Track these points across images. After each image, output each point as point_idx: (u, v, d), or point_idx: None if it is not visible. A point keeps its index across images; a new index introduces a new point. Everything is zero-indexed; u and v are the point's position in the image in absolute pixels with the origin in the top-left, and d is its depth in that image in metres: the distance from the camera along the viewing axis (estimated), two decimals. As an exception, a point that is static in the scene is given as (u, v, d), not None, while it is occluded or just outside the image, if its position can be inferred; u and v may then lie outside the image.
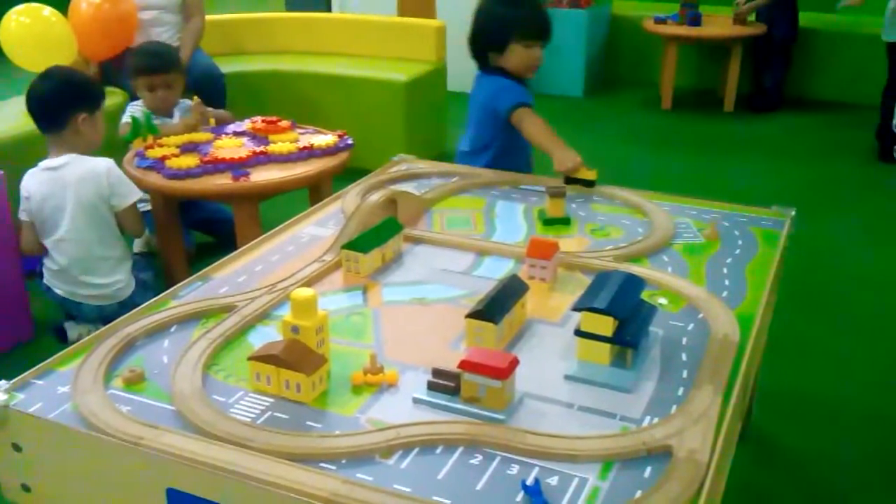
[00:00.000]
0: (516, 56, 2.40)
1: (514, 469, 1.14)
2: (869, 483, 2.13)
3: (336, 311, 1.54)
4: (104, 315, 2.59)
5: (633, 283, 1.45)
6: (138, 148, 2.91)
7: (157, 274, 2.98)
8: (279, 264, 1.74)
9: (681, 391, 1.31)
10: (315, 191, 2.89)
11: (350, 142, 2.97)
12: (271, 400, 1.28)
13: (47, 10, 3.62)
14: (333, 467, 1.13)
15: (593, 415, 1.26)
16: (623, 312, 1.35)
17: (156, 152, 2.82)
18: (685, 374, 1.36)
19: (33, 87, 2.70)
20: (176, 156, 2.80)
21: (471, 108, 2.55)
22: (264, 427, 1.21)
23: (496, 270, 1.73)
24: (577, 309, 1.37)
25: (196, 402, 1.25)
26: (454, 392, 1.26)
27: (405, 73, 4.25)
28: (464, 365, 1.24)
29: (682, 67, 5.73)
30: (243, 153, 2.80)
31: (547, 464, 1.14)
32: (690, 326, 1.51)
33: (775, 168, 4.48)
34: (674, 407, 1.26)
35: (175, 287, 1.63)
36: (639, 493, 1.08)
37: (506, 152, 2.44)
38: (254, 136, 3.03)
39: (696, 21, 5.45)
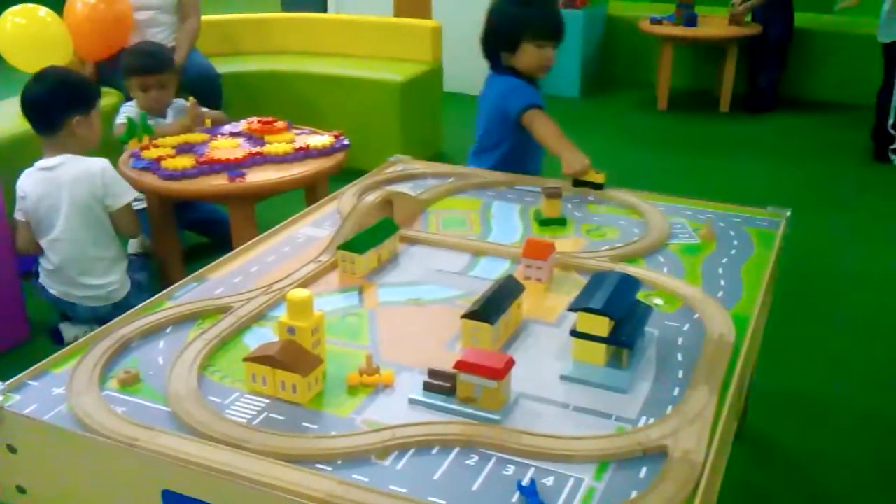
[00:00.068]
0: (528, 56, 2.39)
1: (510, 469, 1.14)
2: (864, 483, 2.14)
3: (332, 312, 1.54)
4: (98, 316, 2.59)
5: (629, 284, 1.45)
6: (134, 148, 2.91)
7: (151, 275, 2.98)
8: (275, 265, 1.74)
9: (676, 391, 1.31)
10: (311, 191, 2.89)
11: (346, 142, 2.97)
12: (267, 401, 1.28)
13: (43, 11, 3.62)
14: (329, 468, 1.13)
15: (589, 415, 1.26)
16: (619, 313, 1.35)
17: (151, 153, 2.82)
18: (681, 374, 1.36)
19: (27, 90, 2.70)
20: (172, 156, 2.79)
21: (480, 108, 2.55)
22: (260, 428, 1.21)
23: (492, 271, 1.73)
24: (572, 309, 1.37)
25: (191, 404, 1.25)
26: (450, 393, 1.26)
27: (401, 74, 4.25)
28: (459, 365, 1.24)
29: (678, 68, 5.74)
30: (239, 154, 2.80)
31: (543, 464, 1.14)
32: (686, 327, 1.51)
33: (771, 168, 4.49)
34: (669, 407, 1.27)
35: (170, 288, 1.63)
36: (634, 494, 1.08)
37: (516, 153, 2.42)
38: (250, 136, 3.03)
39: (691, 21, 5.46)
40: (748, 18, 5.51)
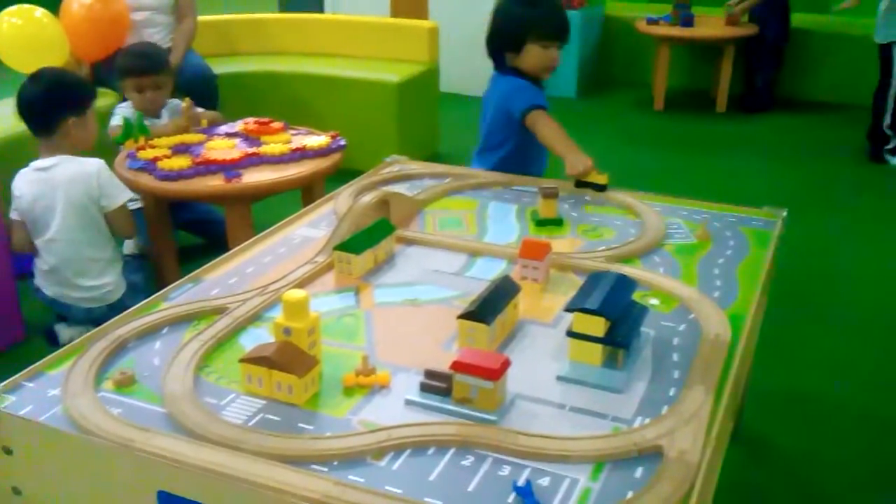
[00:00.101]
0: (532, 56, 2.38)
1: (506, 470, 1.14)
2: (860, 483, 2.14)
3: (328, 313, 1.54)
4: (94, 317, 2.59)
5: (625, 284, 1.45)
6: (130, 149, 2.90)
7: (147, 276, 2.97)
8: (271, 266, 1.74)
9: (672, 391, 1.31)
10: (308, 192, 2.89)
11: (343, 143, 2.97)
12: (263, 402, 1.28)
13: (39, 12, 3.62)
14: (325, 469, 1.13)
15: (585, 415, 1.26)
16: (615, 313, 1.35)
17: (147, 153, 2.82)
18: (676, 374, 1.36)
19: (23, 91, 2.70)
20: (168, 157, 2.79)
21: (485, 108, 2.54)
22: (256, 429, 1.21)
23: (488, 271, 1.73)
24: (568, 310, 1.37)
25: (187, 405, 1.25)
26: (446, 393, 1.26)
27: (398, 74, 4.25)
28: (456, 366, 1.24)
29: (675, 68, 5.75)
30: (235, 154, 2.80)
31: (538, 465, 1.14)
32: (682, 327, 1.51)
33: (767, 168, 4.50)
34: (665, 407, 1.27)
35: (166, 289, 1.63)
36: (630, 494, 1.08)
37: (520, 153, 2.41)
38: (246, 137, 3.02)
39: (688, 22, 5.47)
40: (745, 19, 5.52)
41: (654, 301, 1.59)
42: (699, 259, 1.78)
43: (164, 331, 1.48)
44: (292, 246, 1.84)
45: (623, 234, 1.92)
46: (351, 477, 1.12)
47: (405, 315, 1.56)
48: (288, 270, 1.69)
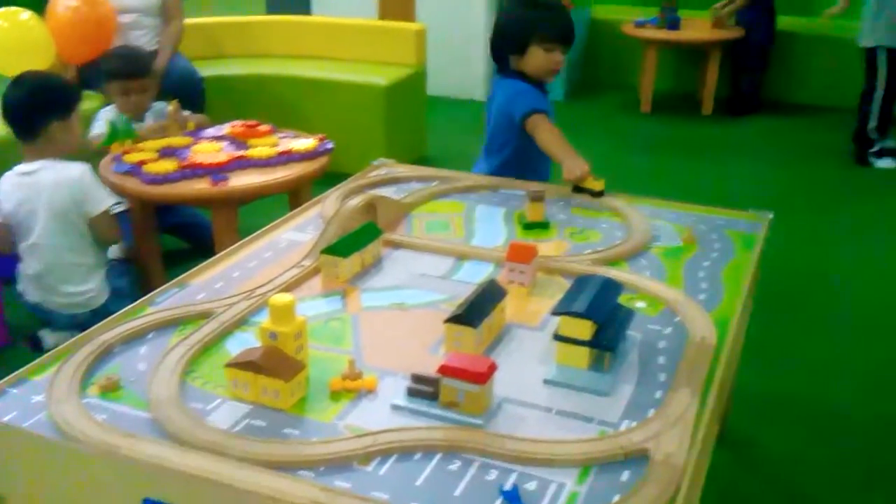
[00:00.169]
0: (535, 59, 2.36)
1: (493, 474, 1.14)
2: (846, 484, 2.15)
3: (315, 317, 1.54)
4: (78, 323, 2.57)
5: (612, 287, 1.45)
6: (116, 153, 2.89)
7: (133, 281, 2.96)
8: (257, 270, 1.73)
9: (658, 394, 1.31)
10: (294, 195, 2.89)
11: (330, 146, 2.96)
12: (249, 407, 1.28)
13: (25, 14, 3.60)
14: (311, 474, 1.13)
15: (571, 419, 1.26)
16: (601, 316, 1.36)
17: (133, 157, 2.81)
18: (663, 377, 1.36)
19: (6, 95, 2.68)
20: (154, 160, 2.78)
21: (488, 111, 2.53)
22: (242, 434, 1.20)
23: (475, 275, 1.73)
24: (555, 313, 1.38)
25: (173, 410, 1.24)
26: (433, 397, 1.26)
27: (385, 77, 4.24)
28: (443, 370, 1.24)
29: (662, 71, 5.77)
30: (222, 158, 2.79)
31: (525, 469, 1.15)
32: (668, 330, 1.52)
33: (753, 171, 4.52)
34: (651, 410, 1.27)
35: (152, 294, 1.62)
36: (616, 497, 1.09)
37: (521, 156, 2.39)
38: (233, 140, 3.02)
39: (674, 25, 5.49)
40: (731, 22, 5.54)
41: (640, 304, 1.60)
42: (685, 262, 1.79)
43: (150, 336, 1.48)
44: (279, 250, 1.84)
45: (610, 237, 1.92)
46: (337, 482, 1.11)
47: (392, 319, 1.56)
48: (274, 274, 1.69)
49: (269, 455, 1.15)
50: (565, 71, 5.88)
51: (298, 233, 1.93)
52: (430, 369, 1.28)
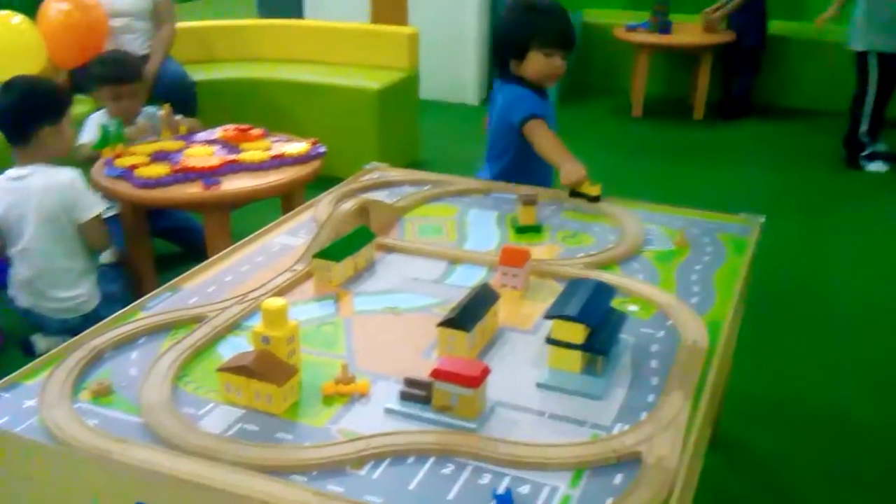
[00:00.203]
0: (535, 64, 2.35)
1: (486, 478, 1.14)
2: (838, 486, 2.16)
3: (307, 321, 1.53)
4: (69, 328, 2.57)
5: (604, 291, 1.46)
6: (108, 157, 2.88)
7: (124, 285, 2.95)
8: (250, 274, 1.73)
9: (651, 398, 1.32)
10: (287, 199, 2.88)
11: (322, 150, 2.96)
12: (242, 411, 1.28)
13: (16, 18, 3.59)
14: (304, 479, 1.13)
15: (564, 423, 1.26)
16: (594, 320, 1.36)
17: (125, 161, 2.80)
18: (655, 380, 1.37)
19: None
20: (146, 164, 2.77)
21: (490, 116, 2.53)
22: (234, 439, 1.20)
23: (468, 279, 1.73)
24: (548, 317, 1.38)
25: (165, 415, 1.24)
26: (426, 401, 1.26)
27: (377, 81, 4.25)
28: (436, 374, 1.24)
29: (653, 75, 5.78)
30: (214, 161, 2.78)
31: (518, 472, 1.15)
32: (660, 333, 1.52)
33: (745, 175, 4.54)
34: (644, 414, 1.27)
35: (143, 298, 1.61)
36: (609, 501, 1.09)
37: (522, 162, 2.38)
38: (225, 144, 3.01)
39: (666, 29, 5.50)
40: (723, 26, 5.56)
41: (632, 308, 1.60)
42: (677, 266, 1.79)
43: (142, 340, 1.47)
44: (271, 254, 1.84)
45: (602, 240, 1.93)
46: (330, 486, 1.11)
47: (385, 323, 1.56)
48: (267, 279, 1.68)
49: (262, 459, 1.15)
50: (557, 75, 5.90)
51: (291, 237, 1.93)
52: (423, 373, 1.28)
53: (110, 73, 3.15)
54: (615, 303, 1.51)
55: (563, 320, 1.34)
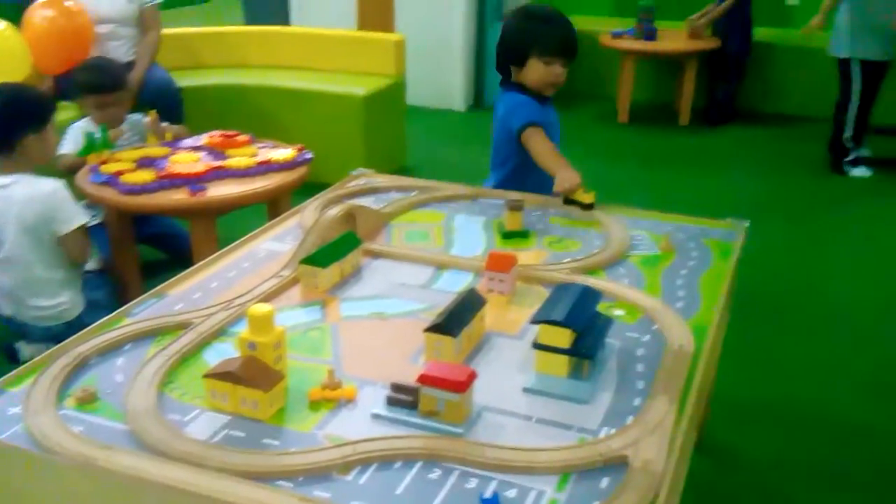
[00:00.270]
0: (534, 72, 2.35)
1: (473, 483, 1.14)
2: (824, 487, 2.17)
3: (294, 327, 1.53)
4: (53, 335, 2.55)
5: (590, 296, 1.46)
6: (93, 163, 2.87)
7: (109, 292, 2.93)
8: (236, 280, 1.73)
9: (637, 402, 1.32)
10: (274, 206, 2.88)
11: (309, 156, 2.96)
12: (228, 417, 1.27)
13: (1, 24, 3.57)
14: (291, 485, 1.12)
15: (551, 427, 1.26)
16: (580, 324, 1.36)
17: (111, 167, 2.79)
18: (641, 384, 1.37)
19: None
20: (132, 171, 2.76)
21: (493, 123, 2.52)
22: (220, 445, 1.20)
23: (455, 284, 1.73)
24: (534, 322, 1.38)
25: (150, 421, 1.23)
26: (413, 406, 1.26)
27: (364, 87, 4.25)
28: (422, 379, 1.24)
29: (639, 81, 5.81)
30: (200, 168, 2.78)
31: (505, 477, 1.15)
32: (646, 337, 1.52)
33: (730, 180, 4.56)
34: (630, 417, 1.28)
35: (129, 305, 1.61)
36: (596, 504, 1.09)
37: (523, 169, 2.38)
38: (211, 150, 3.00)
39: (651, 36, 5.53)
40: (708, 32, 5.60)
41: (618, 312, 1.61)
42: (663, 270, 1.80)
43: (127, 347, 1.47)
44: (257, 260, 1.83)
45: (588, 245, 1.93)
46: (317, 492, 1.11)
47: (371, 328, 1.56)
48: (253, 285, 1.68)
49: (248, 466, 1.14)
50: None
51: (277, 243, 1.93)
52: (409, 378, 1.28)
53: (94, 82, 3.13)
54: (601, 307, 1.51)
55: (550, 325, 1.35)
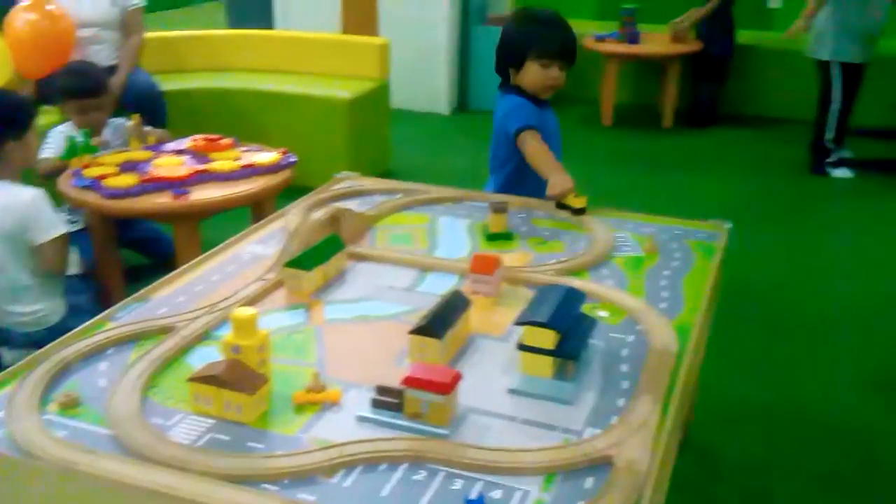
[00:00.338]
0: (531, 74, 2.33)
1: (458, 484, 1.14)
2: (808, 488, 2.18)
3: (278, 330, 1.53)
4: (34, 341, 2.52)
5: (574, 297, 1.47)
6: (75, 167, 2.85)
7: (92, 297, 2.91)
8: (220, 284, 1.72)
9: (621, 402, 1.33)
10: (258, 209, 2.87)
11: (293, 159, 2.95)
12: (212, 421, 1.27)
13: (-20, 28, 3.55)
14: (276, 488, 1.12)
15: (536, 427, 1.27)
16: (564, 326, 1.37)
17: (94, 171, 2.77)
18: (625, 385, 1.38)
19: None
20: (114, 175, 2.75)
21: (493, 127, 2.51)
22: (204, 449, 1.19)
23: (439, 286, 1.73)
24: (519, 323, 1.38)
25: (134, 426, 1.23)
26: (398, 409, 1.26)
27: (348, 91, 4.25)
28: (407, 381, 1.24)
29: (622, 84, 5.83)
30: (183, 171, 2.76)
31: (490, 478, 1.15)
32: (630, 338, 1.53)
33: (713, 182, 4.59)
34: (614, 418, 1.28)
35: (112, 309, 1.60)
36: (581, 504, 1.10)
37: (521, 173, 2.37)
38: (194, 154, 2.99)
39: (634, 39, 5.56)
40: (691, 35, 5.63)
41: (602, 313, 1.61)
42: (646, 271, 1.81)
43: (110, 351, 1.46)
44: (241, 263, 1.83)
45: (573, 247, 1.94)
46: (302, 495, 1.11)
47: (356, 331, 1.56)
48: (237, 288, 1.68)
49: (232, 469, 1.14)
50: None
51: (261, 246, 1.92)
52: (394, 381, 1.28)
53: (76, 86, 3.11)
54: (585, 308, 1.52)
55: (534, 326, 1.35)
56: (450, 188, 2.32)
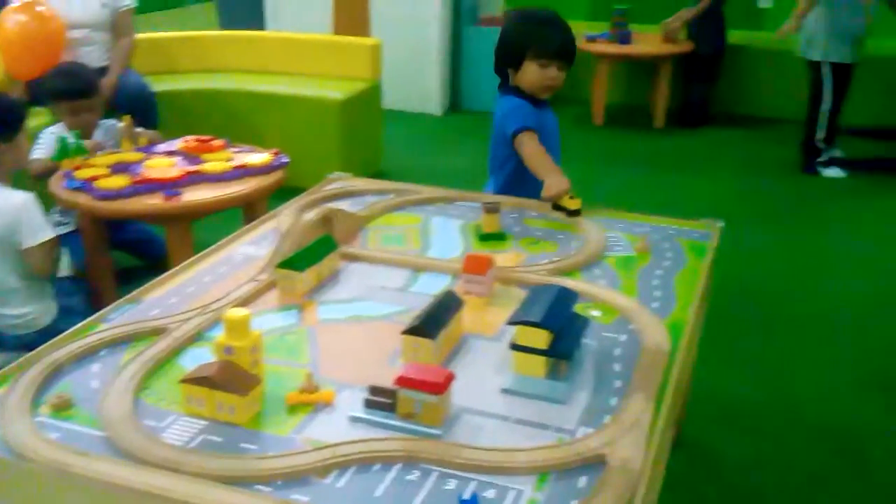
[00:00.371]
0: (530, 74, 2.32)
1: (452, 484, 1.14)
2: (800, 486, 2.19)
3: (271, 331, 1.53)
4: (25, 343, 2.51)
5: (567, 296, 1.47)
6: (67, 169, 2.84)
7: (84, 298, 2.90)
8: (212, 285, 1.72)
9: (614, 401, 1.33)
10: (250, 210, 2.86)
11: (285, 160, 2.95)
12: (205, 423, 1.27)
13: (-30, 29, 3.53)
14: (269, 489, 1.12)
15: (529, 427, 1.27)
16: (557, 325, 1.37)
17: (85, 173, 2.77)
18: (618, 384, 1.38)
19: None
20: (106, 176, 2.74)
21: (493, 127, 2.51)
22: (197, 450, 1.19)
23: (432, 286, 1.73)
24: (511, 323, 1.39)
25: (126, 428, 1.22)
26: (391, 409, 1.26)
27: (340, 91, 4.24)
28: (400, 381, 1.24)
29: (614, 84, 5.85)
30: (175, 173, 2.76)
31: (484, 477, 1.15)
32: (623, 337, 1.54)
33: (704, 181, 4.60)
34: (607, 417, 1.28)
35: (104, 310, 1.59)
36: (574, 503, 1.10)
37: (519, 174, 2.36)
38: (186, 155, 2.98)
39: (626, 39, 5.57)
40: (682, 35, 5.64)
41: (595, 313, 1.62)
42: (638, 271, 1.82)
43: (102, 353, 1.45)
44: (234, 264, 1.83)
45: (565, 247, 1.94)
46: (295, 496, 1.11)
47: (349, 332, 1.56)
48: (229, 289, 1.67)
49: (225, 470, 1.14)
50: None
51: (254, 247, 1.92)
52: (387, 381, 1.28)
53: (67, 88, 3.10)
54: (578, 308, 1.52)
55: (527, 326, 1.35)
56: (442, 188, 2.32)
